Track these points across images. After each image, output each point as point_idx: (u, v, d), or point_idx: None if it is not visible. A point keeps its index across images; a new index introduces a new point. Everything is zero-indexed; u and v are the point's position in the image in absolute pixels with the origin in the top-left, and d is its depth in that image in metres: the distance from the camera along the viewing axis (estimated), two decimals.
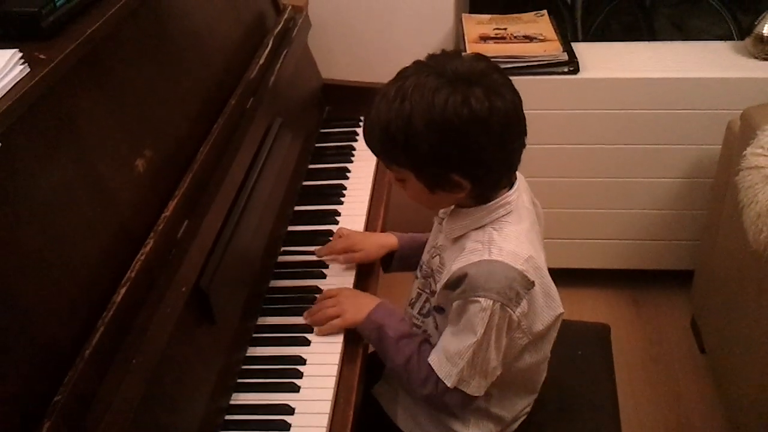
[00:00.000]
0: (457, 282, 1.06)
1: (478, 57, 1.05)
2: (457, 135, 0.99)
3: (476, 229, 1.09)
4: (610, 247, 2.23)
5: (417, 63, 1.04)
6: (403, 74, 1.04)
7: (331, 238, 1.44)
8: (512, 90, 1.02)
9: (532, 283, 1.05)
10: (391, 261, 1.39)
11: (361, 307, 1.21)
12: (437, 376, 1.09)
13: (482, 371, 1.07)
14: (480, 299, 1.02)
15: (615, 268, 2.27)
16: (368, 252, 1.37)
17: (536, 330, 1.10)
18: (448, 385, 1.08)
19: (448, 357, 1.08)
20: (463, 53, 1.06)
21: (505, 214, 1.08)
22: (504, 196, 1.09)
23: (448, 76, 0.99)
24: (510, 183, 1.10)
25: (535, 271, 1.07)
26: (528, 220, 1.11)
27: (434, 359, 1.10)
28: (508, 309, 1.03)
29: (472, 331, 1.04)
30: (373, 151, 1.10)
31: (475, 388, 1.08)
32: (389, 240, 1.38)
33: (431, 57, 1.05)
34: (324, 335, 1.22)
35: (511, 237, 1.06)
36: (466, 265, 1.05)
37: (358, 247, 1.37)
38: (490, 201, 1.08)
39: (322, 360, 1.19)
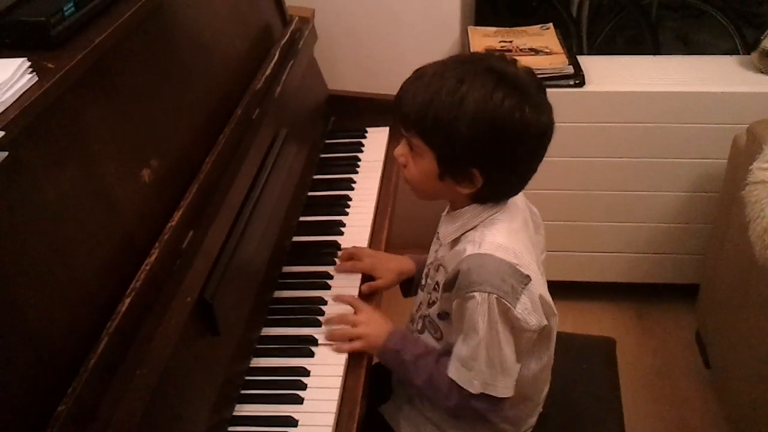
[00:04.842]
0: (452, 280, 1.07)
1: (533, 73, 1.08)
2: (499, 134, 1.01)
3: (470, 230, 1.10)
4: (615, 260, 2.22)
5: (474, 54, 1.07)
6: (459, 59, 1.06)
7: (339, 252, 1.43)
8: (551, 113, 1.06)
9: (527, 278, 1.05)
10: (410, 287, 1.39)
11: (380, 333, 1.21)
12: (458, 385, 1.08)
13: (503, 370, 1.06)
14: (475, 294, 1.03)
15: (620, 282, 2.26)
16: (387, 280, 1.37)
17: (544, 324, 1.10)
18: (473, 392, 1.07)
19: (463, 363, 1.07)
20: (519, 65, 1.08)
21: (496, 212, 1.09)
22: None
23: (507, 79, 1.02)
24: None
25: (527, 266, 1.06)
26: (520, 219, 1.12)
27: (452, 370, 1.10)
28: (506, 302, 1.02)
29: (475, 330, 1.04)
30: (402, 120, 1.07)
31: (503, 389, 1.07)
32: (407, 266, 1.38)
33: (489, 55, 1.08)
34: (342, 353, 1.21)
35: (501, 232, 1.07)
36: (458, 262, 1.06)
37: (378, 274, 1.37)
38: (486, 203, 1.09)
39: (327, 372, 1.18)
